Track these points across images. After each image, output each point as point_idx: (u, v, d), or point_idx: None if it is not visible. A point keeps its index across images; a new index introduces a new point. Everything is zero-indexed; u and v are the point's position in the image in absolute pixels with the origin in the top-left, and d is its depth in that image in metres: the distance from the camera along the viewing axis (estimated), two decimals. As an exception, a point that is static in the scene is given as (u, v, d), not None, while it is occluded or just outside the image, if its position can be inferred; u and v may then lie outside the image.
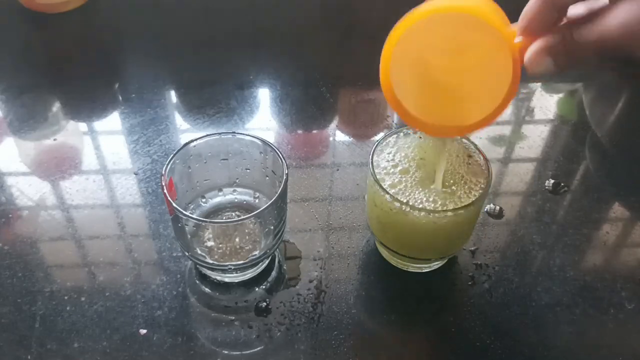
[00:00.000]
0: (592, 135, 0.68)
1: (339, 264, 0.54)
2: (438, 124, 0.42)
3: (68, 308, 0.50)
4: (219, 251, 0.50)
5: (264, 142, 0.51)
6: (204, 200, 0.54)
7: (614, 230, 0.58)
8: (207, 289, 0.52)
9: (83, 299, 0.51)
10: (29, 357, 0.47)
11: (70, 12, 0.80)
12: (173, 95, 0.71)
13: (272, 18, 0.83)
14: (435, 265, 0.53)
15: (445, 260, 0.54)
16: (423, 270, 0.53)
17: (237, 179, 0.54)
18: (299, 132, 0.67)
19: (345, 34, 0.81)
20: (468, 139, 0.50)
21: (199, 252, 0.50)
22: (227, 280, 0.52)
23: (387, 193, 0.46)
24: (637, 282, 0.53)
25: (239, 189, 0.55)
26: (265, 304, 0.51)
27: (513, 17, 0.37)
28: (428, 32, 0.38)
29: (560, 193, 0.61)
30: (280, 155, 0.49)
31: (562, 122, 0.69)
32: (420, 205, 0.46)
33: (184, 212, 0.45)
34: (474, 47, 0.38)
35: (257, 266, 0.52)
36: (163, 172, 0.47)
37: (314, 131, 0.68)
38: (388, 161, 0.50)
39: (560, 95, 0.73)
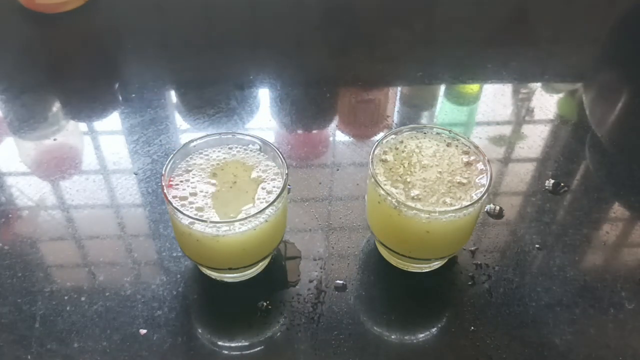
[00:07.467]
0: (592, 135, 0.68)
1: (339, 264, 0.54)
2: None
3: (68, 308, 0.50)
4: (219, 251, 0.50)
5: (264, 142, 0.51)
6: (204, 200, 0.54)
7: (614, 230, 0.58)
8: (207, 289, 0.52)
9: (83, 299, 0.51)
10: (29, 357, 0.47)
11: (70, 12, 0.80)
12: (173, 95, 0.71)
13: (272, 18, 0.83)
14: (435, 265, 0.53)
15: (445, 260, 0.54)
16: (423, 270, 0.53)
17: (237, 179, 0.54)
18: (299, 132, 0.67)
19: (345, 34, 0.81)
20: (468, 139, 0.50)
21: (199, 252, 0.50)
22: (227, 280, 0.52)
23: (387, 193, 0.46)
24: (637, 282, 0.53)
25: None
26: (265, 304, 0.51)
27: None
28: None
29: (560, 193, 0.61)
30: (280, 155, 0.49)
31: (562, 122, 0.69)
32: (421, 206, 0.46)
33: (184, 212, 0.45)
34: None
35: (257, 266, 0.52)
36: (163, 172, 0.47)
37: (314, 131, 0.68)
38: (388, 161, 0.50)
39: (560, 95, 0.73)
